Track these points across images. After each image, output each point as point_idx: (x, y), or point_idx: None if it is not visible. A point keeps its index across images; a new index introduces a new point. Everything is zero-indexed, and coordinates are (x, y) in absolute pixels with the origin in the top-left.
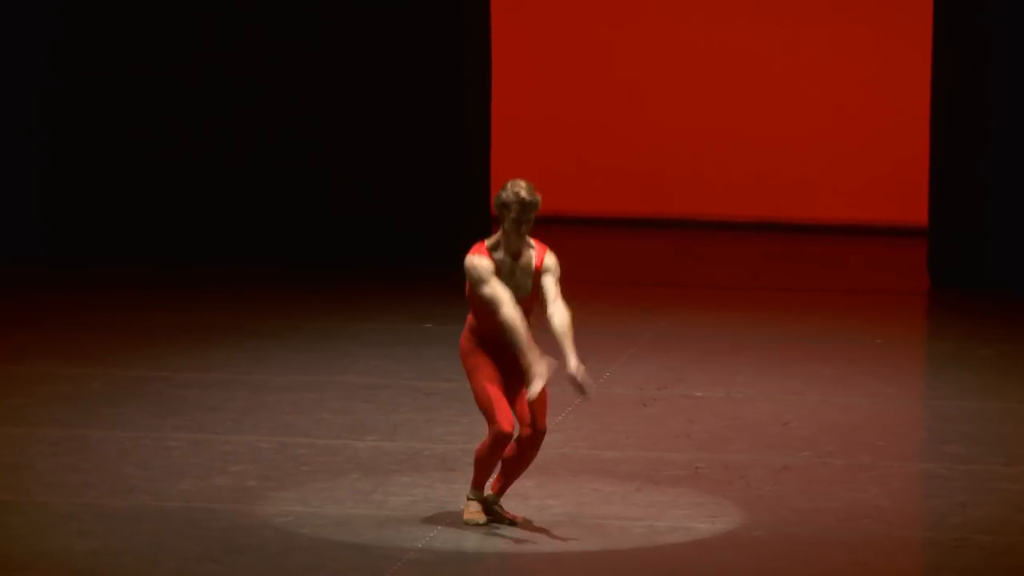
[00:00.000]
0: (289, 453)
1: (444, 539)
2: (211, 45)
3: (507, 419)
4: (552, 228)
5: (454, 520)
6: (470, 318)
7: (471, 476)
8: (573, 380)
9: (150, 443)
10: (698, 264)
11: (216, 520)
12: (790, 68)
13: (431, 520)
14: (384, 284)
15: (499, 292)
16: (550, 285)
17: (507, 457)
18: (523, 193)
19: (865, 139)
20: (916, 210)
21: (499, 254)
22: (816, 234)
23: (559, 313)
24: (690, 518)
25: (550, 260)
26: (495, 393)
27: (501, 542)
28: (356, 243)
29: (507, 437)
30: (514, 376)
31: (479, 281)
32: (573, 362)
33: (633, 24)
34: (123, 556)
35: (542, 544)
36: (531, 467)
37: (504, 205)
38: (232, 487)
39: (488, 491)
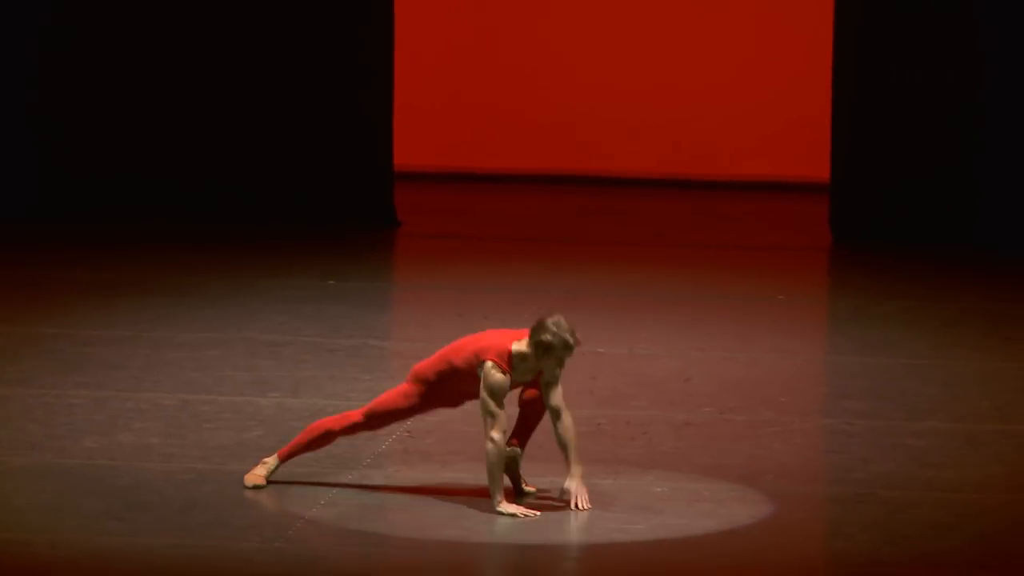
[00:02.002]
0: (192, 410)
1: (346, 496)
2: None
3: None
4: (459, 185)
5: (356, 477)
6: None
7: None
8: (567, 492)
9: (52, 400)
10: (601, 220)
11: (119, 477)
12: (693, 24)
13: (333, 476)
14: (287, 241)
15: (499, 418)
16: (558, 396)
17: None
18: (571, 340)
19: (767, 95)
20: (818, 166)
21: (519, 373)
22: (718, 190)
23: (566, 422)
24: (592, 474)
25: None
26: (400, 415)
27: (402, 499)
28: (259, 199)
29: (345, 429)
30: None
31: (489, 397)
32: (572, 482)
33: None
34: (25, 513)
35: (444, 499)
36: (434, 422)
37: (549, 347)
38: (135, 444)
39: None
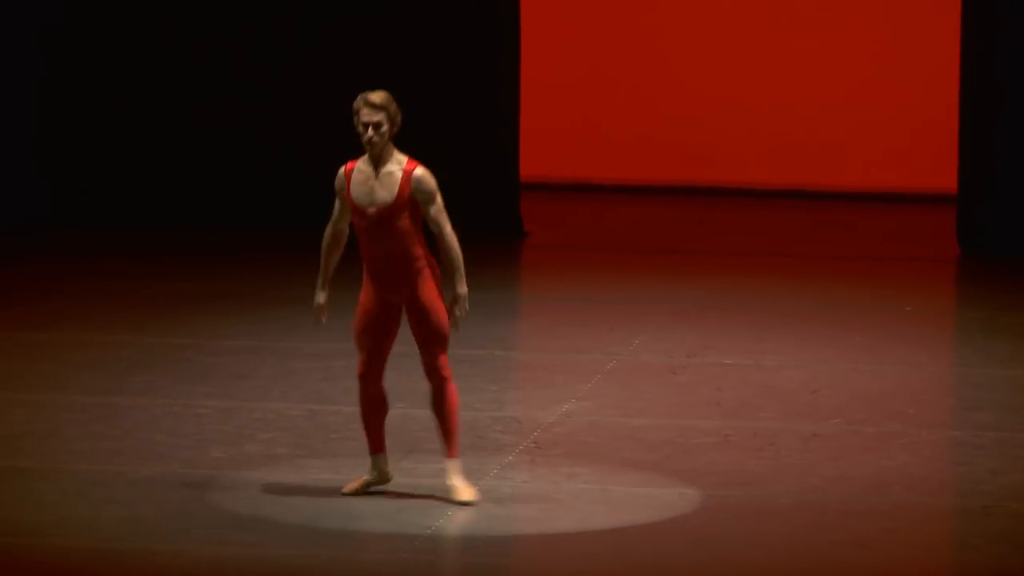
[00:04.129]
0: (319, 421)
1: (474, 508)
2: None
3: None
4: (581, 195)
5: (483, 488)
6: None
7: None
8: (451, 308)
9: (180, 410)
10: (726, 232)
11: (246, 488)
12: (819, 34)
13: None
14: None
15: (334, 211)
16: (433, 217)
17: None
18: (367, 94)
19: (894, 105)
20: (945, 177)
21: (362, 163)
22: (845, 201)
23: (449, 247)
24: (720, 486)
25: (421, 185)
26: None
27: (533, 510)
28: None
29: (361, 379)
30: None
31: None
32: (461, 289)
33: None
34: (152, 523)
35: (571, 510)
36: (559, 433)
37: (355, 112)
38: (262, 455)
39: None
